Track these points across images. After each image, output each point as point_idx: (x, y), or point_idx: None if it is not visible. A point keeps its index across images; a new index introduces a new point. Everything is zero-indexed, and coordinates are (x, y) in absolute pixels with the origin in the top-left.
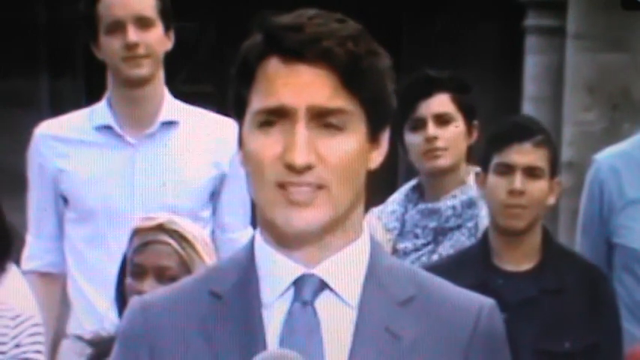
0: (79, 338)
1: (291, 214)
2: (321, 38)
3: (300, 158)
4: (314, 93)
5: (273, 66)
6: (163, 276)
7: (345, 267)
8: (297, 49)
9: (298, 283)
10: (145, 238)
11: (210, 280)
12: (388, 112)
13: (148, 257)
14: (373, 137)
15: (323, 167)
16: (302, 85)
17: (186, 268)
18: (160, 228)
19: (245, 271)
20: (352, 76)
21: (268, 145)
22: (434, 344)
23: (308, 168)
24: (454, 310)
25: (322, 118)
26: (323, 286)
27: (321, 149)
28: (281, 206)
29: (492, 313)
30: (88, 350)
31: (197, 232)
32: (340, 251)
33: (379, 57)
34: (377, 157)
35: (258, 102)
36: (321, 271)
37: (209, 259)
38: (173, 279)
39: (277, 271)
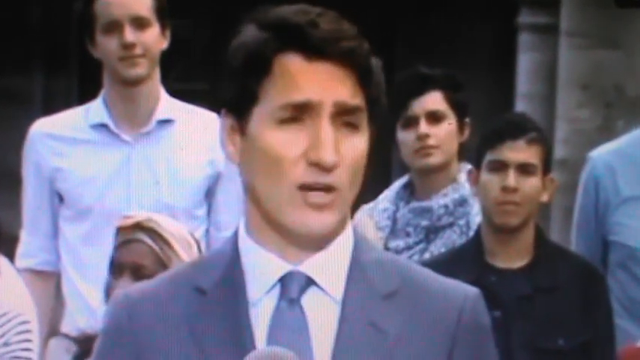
0: (66, 336)
1: (310, 216)
2: (341, 37)
3: (329, 156)
4: (338, 90)
5: (294, 62)
6: (139, 274)
7: (330, 262)
8: (320, 47)
9: (284, 280)
10: (125, 236)
11: (193, 275)
12: (382, 110)
13: (125, 255)
14: (370, 135)
15: (342, 169)
16: (326, 82)
17: (163, 266)
18: (138, 226)
19: (230, 267)
20: (367, 75)
21: (289, 142)
22: (419, 336)
23: (333, 168)
24: (438, 301)
25: (343, 116)
26: (309, 282)
27: (342, 149)
28: (298, 210)
29: (476, 303)
30: (74, 348)
31: (177, 230)
32: (325, 246)
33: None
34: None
35: (279, 97)
36: (307, 267)
37: (188, 257)
38: (149, 277)
39: (263, 268)
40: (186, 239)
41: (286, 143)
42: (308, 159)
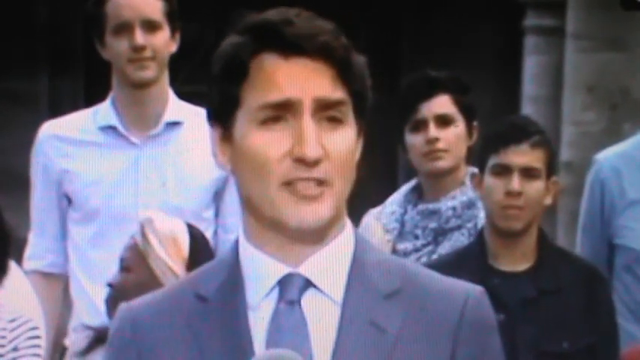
0: (87, 327)
1: (302, 209)
2: (317, 33)
3: (311, 152)
4: (317, 85)
5: (271, 61)
6: (123, 266)
7: (330, 263)
8: (297, 43)
9: (283, 282)
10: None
11: (195, 283)
12: (368, 104)
13: (123, 249)
14: (359, 129)
15: (328, 162)
16: (304, 78)
17: (142, 262)
18: (140, 223)
19: (230, 273)
20: (347, 69)
21: (274, 142)
22: (421, 335)
23: (317, 162)
24: (440, 300)
25: (325, 111)
26: (308, 284)
27: (327, 143)
28: (290, 204)
29: (480, 300)
30: (90, 332)
31: (165, 227)
32: (324, 247)
33: (356, 53)
34: (359, 149)
35: (257, 98)
36: (305, 269)
37: (168, 253)
38: (128, 269)
39: (261, 271)
40: (170, 235)
41: (270, 142)
42: (293, 156)
